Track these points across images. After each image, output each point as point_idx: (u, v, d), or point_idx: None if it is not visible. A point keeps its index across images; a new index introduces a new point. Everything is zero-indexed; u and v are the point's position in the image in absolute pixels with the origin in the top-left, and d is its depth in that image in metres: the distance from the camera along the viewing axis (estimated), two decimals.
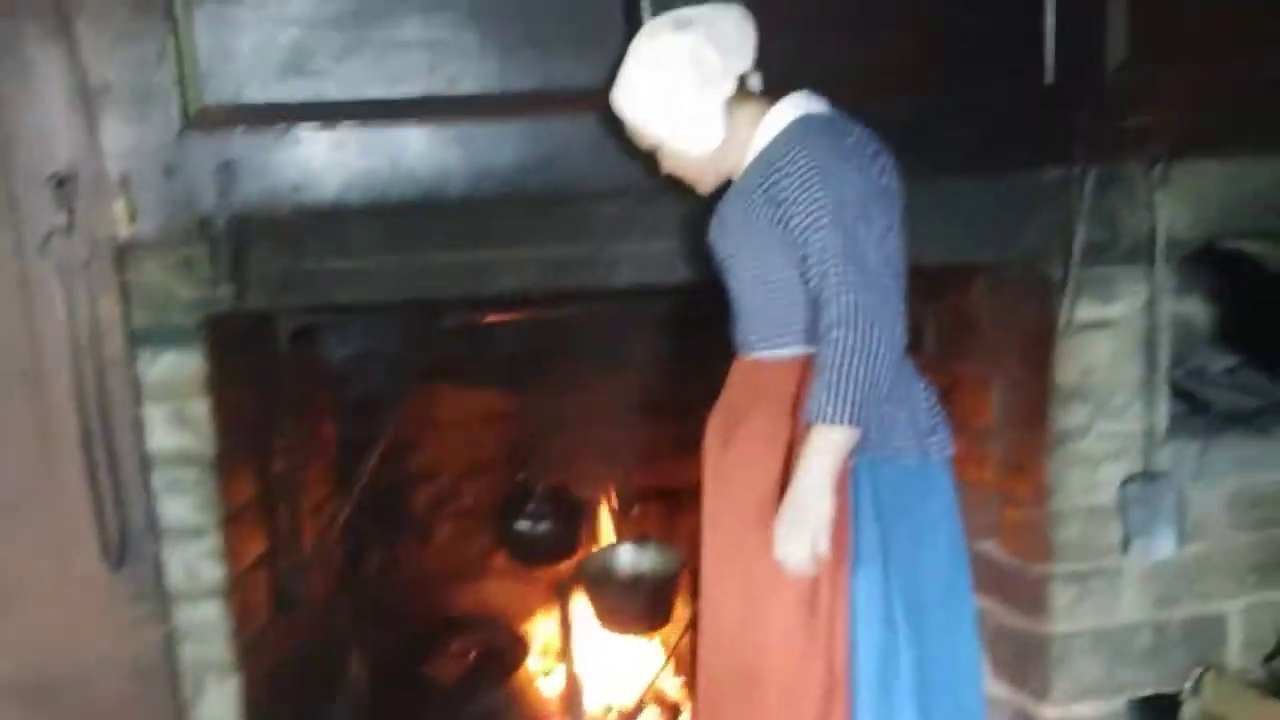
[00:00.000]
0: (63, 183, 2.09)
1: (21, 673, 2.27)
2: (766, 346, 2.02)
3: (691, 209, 2.25)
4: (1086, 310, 2.50)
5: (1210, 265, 2.98)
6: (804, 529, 1.86)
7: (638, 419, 3.32)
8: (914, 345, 1.97)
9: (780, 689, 2.00)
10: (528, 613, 3.41)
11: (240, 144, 2.16)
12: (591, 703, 3.06)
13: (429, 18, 2.18)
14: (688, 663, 2.88)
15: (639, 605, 3.02)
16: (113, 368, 2.18)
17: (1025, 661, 2.71)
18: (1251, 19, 2.43)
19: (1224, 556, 2.70)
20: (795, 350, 1.97)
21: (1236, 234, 2.66)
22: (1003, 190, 2.42)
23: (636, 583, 3.12)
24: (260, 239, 2.20)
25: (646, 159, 2.14)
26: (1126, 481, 2.59)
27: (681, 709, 3.06)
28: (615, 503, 3.35)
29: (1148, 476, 2.58)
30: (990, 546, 2.73)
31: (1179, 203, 2.47)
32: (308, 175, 2.19)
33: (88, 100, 2.10)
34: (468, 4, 2.18)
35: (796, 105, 1.98)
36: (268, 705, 2.45)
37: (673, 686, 3.12)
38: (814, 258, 1.84)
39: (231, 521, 2.34)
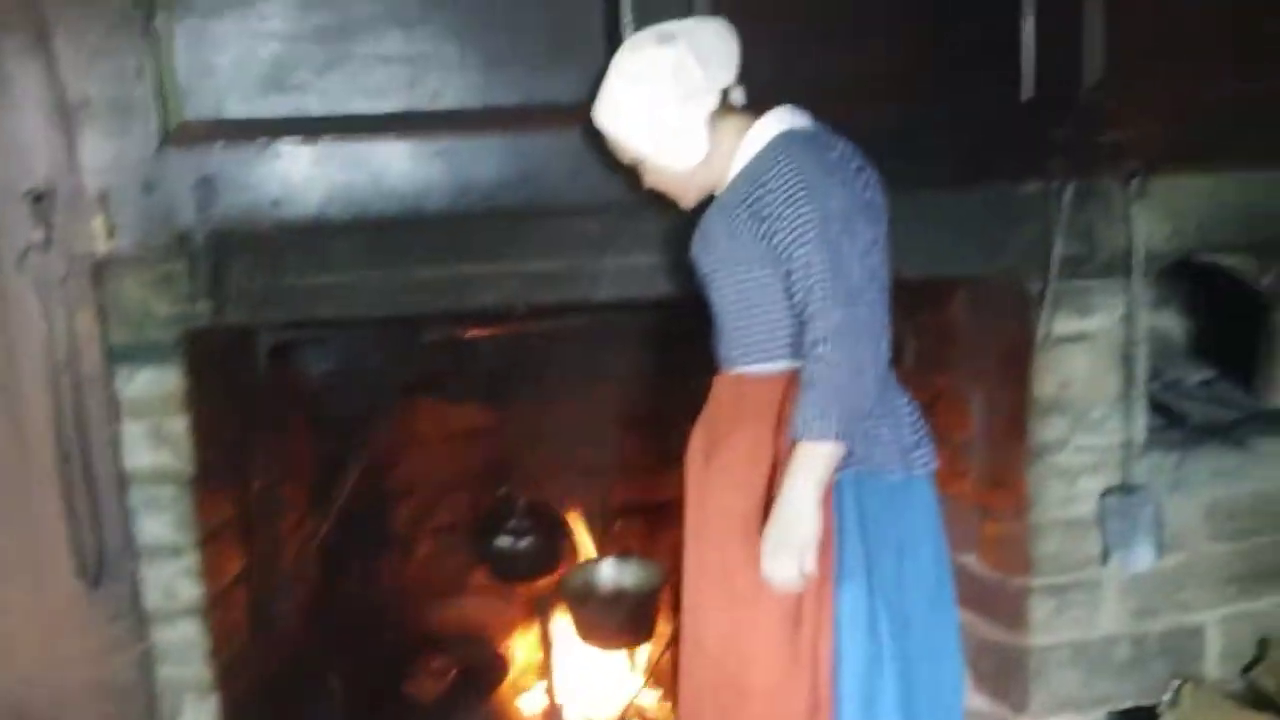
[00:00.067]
0: (40, 198, 2.07)
1: None
2: (749, 361, 2.01)
3: (672, 224, 2.25)
4: (1064, 323, 2.52)
5: (1185, 279, 3.00)
6: (791, 546, 1.86)
7: (618, 434, 3.32)
8: (894, 359, 1.98)
9: (765, 703, 2.00)
10: (508, 630, 3.39)
11: (220, 159, 2.16)
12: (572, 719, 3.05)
13: (410, 32, 2.18)
14: (669, 678, 2.87)
15: (621, 620, 3.01)
16: (90, 384, 2.16)
17: (1005, 674, 2.72)
18: (1227, 37, 2.47)
19: (1202, 568, 2.72)
20: (778, 365, 1.96)
21: (1212, 248, 2.69)
22: (981, 204, 2.44)
23: (618, 598, 3.11)
24: (240, 254, 2.19)
25: (628, 174, 2.15)
26: (1105, 494, 2.61)
27: None
28: (596, 518, 3.34)
29: (1126, 489, 2.60)
30: (970, 560, 2.74)
31: (1155, 217, 2.49)
32: (288, 190, 2.18)
33: (66, 115, 2.09)
34: (449, 19, 2.18)
35: (780, 120, 1.98)
36: None
37: (654, 702, 3.11)
38: (799, 273, 1.84)
39: (209, 540, 2.32)
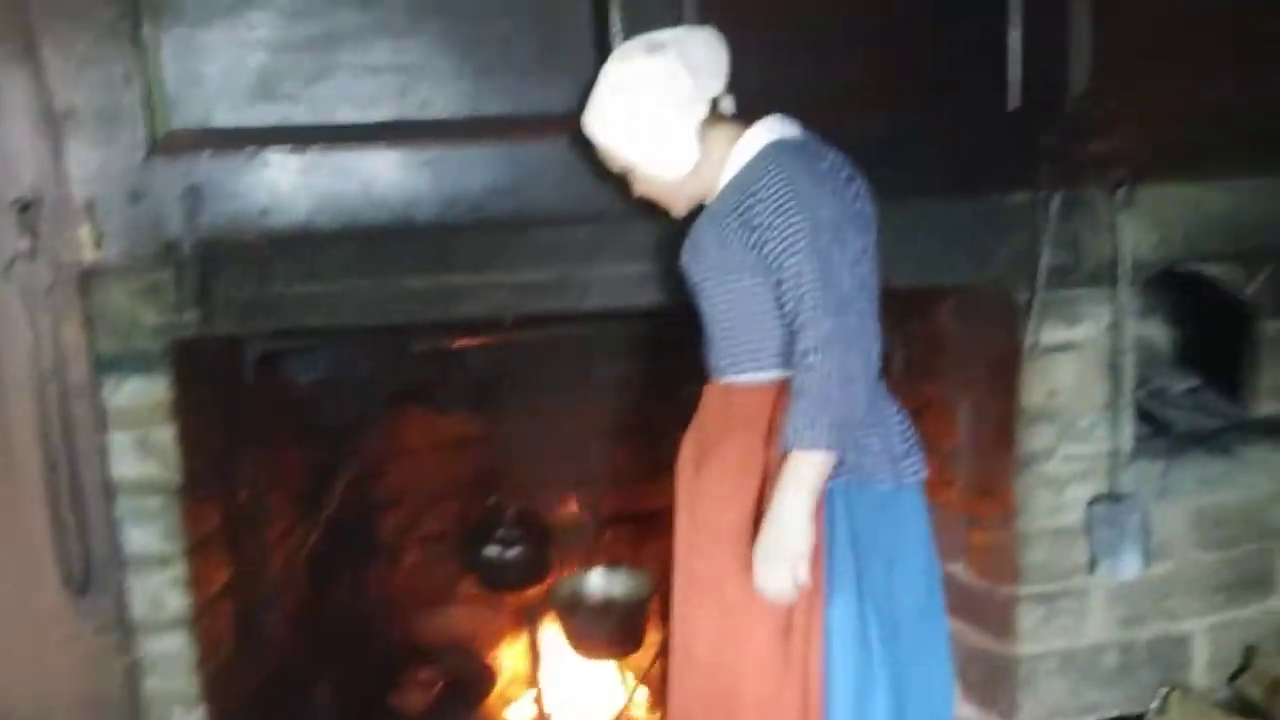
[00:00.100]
0: (27, 207, 2.07)
1: None
2: (739, 371, 2.01)
3: (661, 233, 2.26)
4: (1052, 333, 2.53)
5: (1170, 288, 3.02)
6: (784, 557, 1.86)
7: (607, 443, 3.32)
8: (883, 368, 1.98)
9: (756, 713, 1.99)
10: (496, 640, 3.38)
11: (208, 168, 2.15)
12: None
13: (399, 42, 2.18)
14: (659, 688, 2.86)
15: (610, 630, 3.00)
16: (77, 394, 2.16)
17: (993, 683, 2.72)
18: (1213, 47, 2.49)
19: (1189, 576, 2.73)
20: (769, 375, 1.96)
21: (1197, 257, 2.70)
22: (969, 214, 2.45)
23: (608, 607, 3.11)
24: (228, 263, 2.19)
25: (617, 183, 2.15)
26: (1092, 502, 2.61)
27: None
28: (586, 527, 3.34)
29: (1113, 497, 2.60)
30: (958, 568, 2.74)
31: (1141, 226, 2.50)
32: (276, 199, 2.18)
33: (53, 124, 2.08)
34: (438, 28, 2.19)
35: (770, 129, 1.98)
36: None
37: (643, 712, 3.10)
38: (789, 283, 1.83)
39: (197, 550, 2.31)
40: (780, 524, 1.86)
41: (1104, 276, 2.52)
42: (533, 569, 3.23)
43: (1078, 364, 2.57)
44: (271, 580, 2.71)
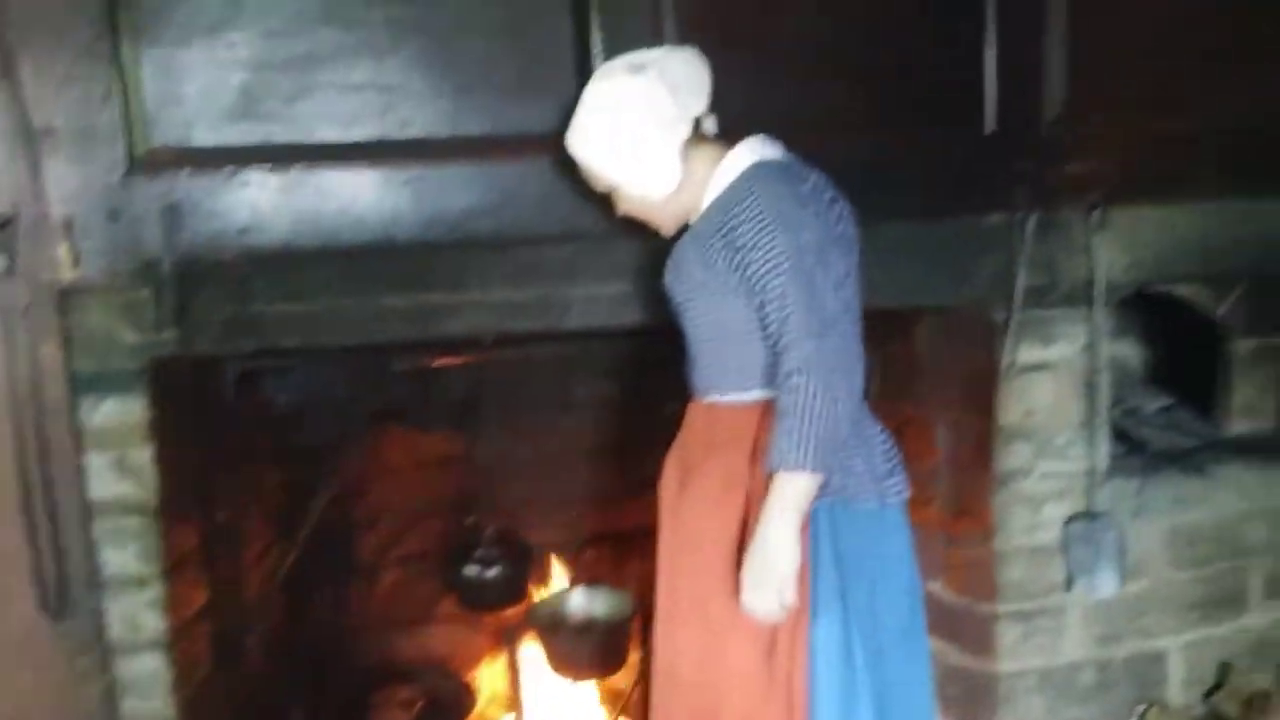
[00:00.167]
0: (4, 226, 2.04)
1: None
2: (723, 390, 2.01)
3: (641, 253, 2.27)
4: (1028, 353, 2.55)
5: (1141, 309, 3.05)
6: (771, 578, 1.85)
7: (588, 462, 3.32)
8: (864, 388, 1.99)
9: None
10: (475, 660, 3.37)
11: (187, 187, 2.14)
12: None
13: (381, 61, 2.18)
14: (640, 708, 2.86)
15: (592, 650, 2.99)
16: (53, 414, 2.13)
17: (972, 700, 2.73)
18: (1184, 72, 2.52)
19: (1164, 594, 2.75)
20: (752, 394, 1.96)
21: (1169, 278, 2.74)
22: (947, 236, 2.47)
23: (589, 627, 3.10)
24: (207, 283, 2.18)
25: (599, 202, 2.16)
26: (1069, 521, 2.63)
27: None
28: (566, 546, 3.33)
29: (1089, 516, 2.62)
30: (937, 587, 2.75)
31: (1115, 248, 2.53)
32: (257, 218, 2.17)
33: (31, 142, 2.06)
34: (419, 48, 2.19)
35: (753, 150, 1.99)
36: None
37: None
38: (773, 304, 1.84)
39: (174, 571, 2.29)
40: (767, 546, 1.85)
41: (1079, 297, 2.55)
42: (512, 588, 3.22)
43: (1054, 383, 2.59)
44: (249, 601, 2.69)
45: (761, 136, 2.02)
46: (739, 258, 1.87)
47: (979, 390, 2.61)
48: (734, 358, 1.97)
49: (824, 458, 1.82)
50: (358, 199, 2.21)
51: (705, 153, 2.01)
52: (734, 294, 1.91)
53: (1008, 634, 2.66)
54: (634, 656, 3.03)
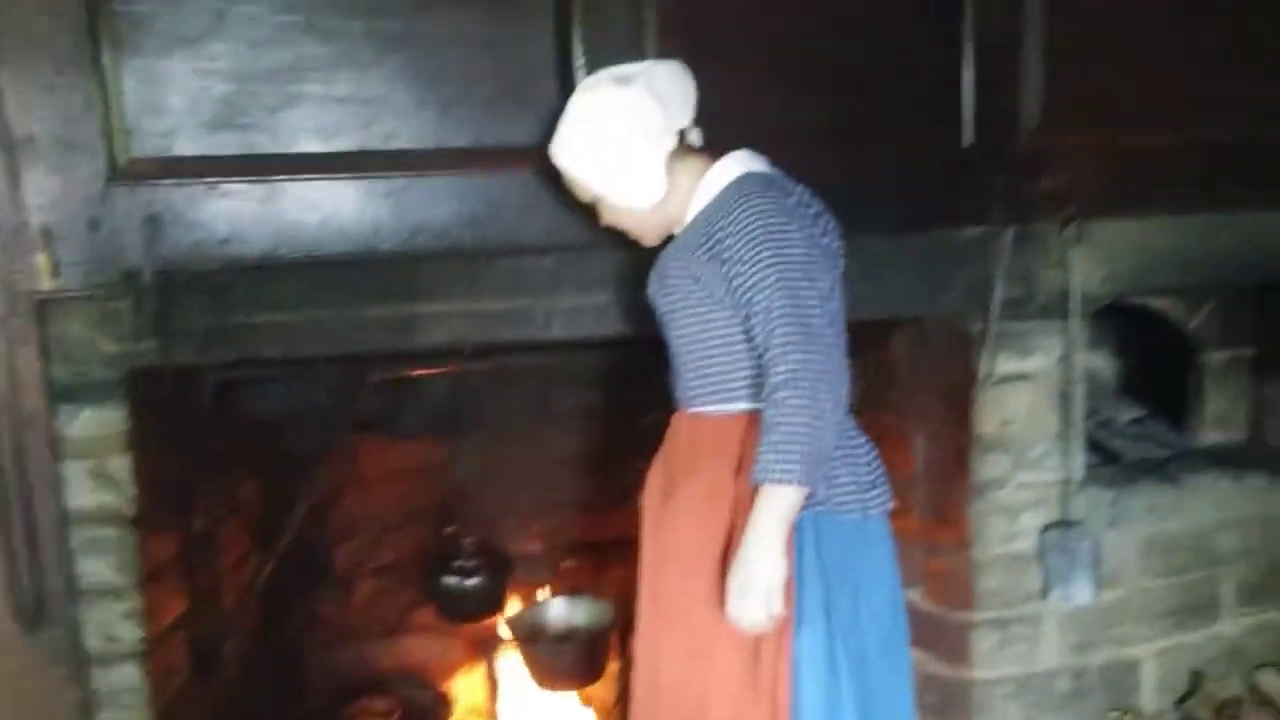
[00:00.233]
0: None
1: None
2: (707, 402, 2.01)
3: (624, 264, 2.28)
4: (1005, 364, 2.58)
5: (1114, 320, 3.09)
6: (758, 590, 1.85)
7: (568, 472, 3.32)
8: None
9: None
10: (452, 670, 3.36)
11: (168, 197, 2.13)
12: None
13: (363, 73, 2.18)
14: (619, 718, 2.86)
15: (572, 660, 2.99)
16: (31, 423, 2.12)
17: (949, 707, 2.75)
18: (1159, 88, 2.56)
19: (1138, 602, 2.79)
20: (737, 406, 1.97)
21: (1143, 291, 2.77)
22: (925, 248, 2.50)
23: (569, 637, 3.10)
24: (187, 293, 2.17)
25: (581, 213, 2.16)
26: (1045, 530, 2.66)
27: None
28: (546, 556, 3.33)
29: (1065, 525, 2.65)
30: (915, 595, 2.77)
31: (1090, 261, 2.57)
32: (238, 229, 2.16)
33: (10, 151, 2.05)
34: (402, 60, 2.19)
35: (739, 162, 2.00)
36: None
37: None
38: (759, 318, 1.84)
39: (151, 581, 2.28)
40: (753, 557, 1.85)
41: (1055, 309, 2.58)
42: (492, 598, 3.22)
43: (1030, 394, 2.62)
44: (226, 610, 2.67)
45: (746, 149, 2.03)
46: (725, 270, 1.88)
47: (956, 401, 2.63)
48: (718, 369, 1.97)
49: (811, 471, 1.82)
50: (340, 210, 2.20)
51: (690, 164, 2.01)
52: (719, 306, 1.91)
53: (984, 642, 2.68)
54: (613, 666, 3.03)
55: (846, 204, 2.10)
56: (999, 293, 2.51)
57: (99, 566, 2.20)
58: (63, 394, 2.15)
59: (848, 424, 2.02)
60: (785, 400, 1.80)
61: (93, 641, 2.22)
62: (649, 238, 2.10)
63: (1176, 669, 2.86)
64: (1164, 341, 3.13)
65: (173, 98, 2.12)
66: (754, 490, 1.86)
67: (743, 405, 1.96)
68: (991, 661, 2.70)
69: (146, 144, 2.12)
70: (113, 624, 2.22)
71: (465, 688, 3.32)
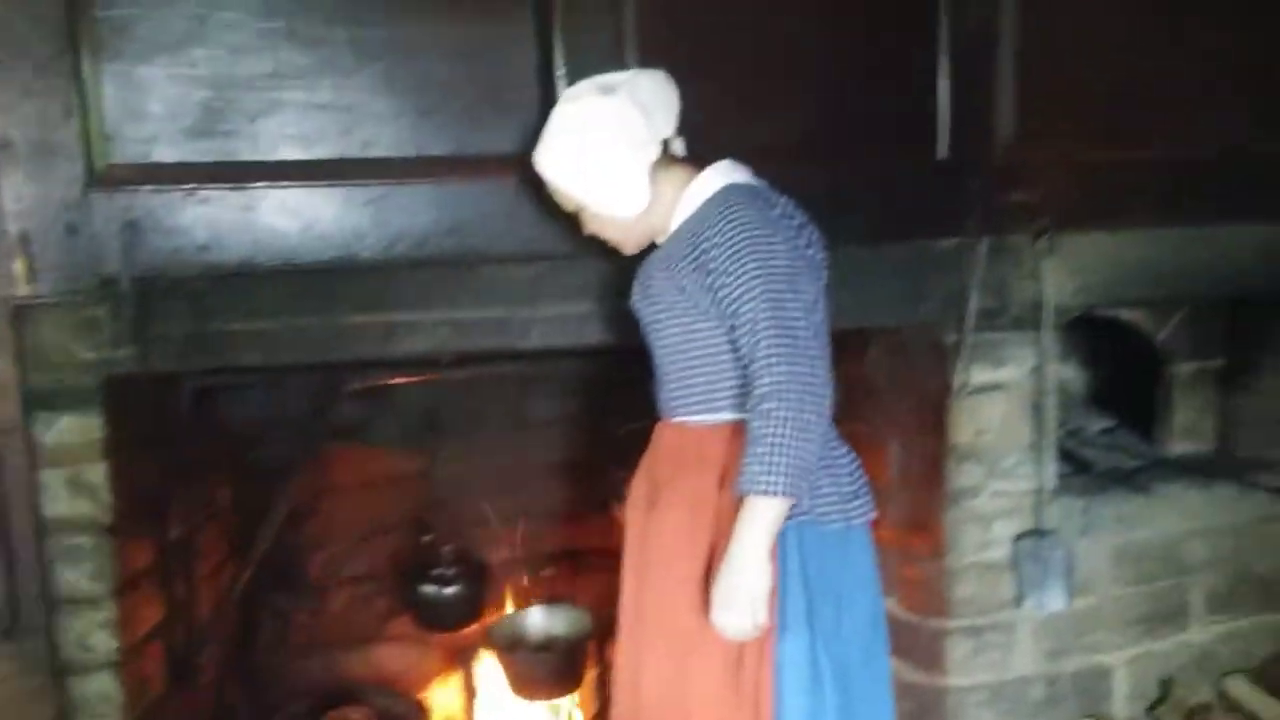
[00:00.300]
0: None
1: None
2: (691, 411, 2.01)
3: (605, 273, 2.29)
4: (979, 374, 2.60)
5: (1083, 332, 3.13)
6: (743, 600, 1.85)
7: (546, 480, 3.32)
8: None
9: None
10: (428, 679, 3.35)
11: (147, 203, 2.13)
12: None
13: (344, 81, 2.18)
14: None
15: (551, 669, 2.98)
16: (7, 431, 2.11)
17: (923, 715, 2.77)
18: (1131, 103, 2.60)
19: (1109, 610, 2.81)
20: (721, 416, 1.97)
21: (1115, 303, 2.81)
22: (900, 259, 2.52)
23: (548, 646, 3.09)
24: (166, 300, 2.16)
25: (561, 223, 2.17)
26: (1018, 538, 2.68)
27: None
28: (524, 565, 3.33)
29: (1038, 534, 2.68)
30: (890, 603, 2.78)
31: (1063, 272, 2.60)
32: (217, 236, 2.16)
33: None
34: (383, 68, 2.20)
35: (723, 173, 2.01)
36: None
37: None
38: (744, 328, 1.85)
39: (128, 590, 2.27)
40: (738, 568, 1.85)
41: (1028, 320, 2.61)
42: (469, 607, 3.21)
43: (1004, 404, 2.64)
44: (202, 619, 2.66)
45: (730, 160, 2.04)
46: (710, 281, 1.88)
47: (931, 411, 2.65)
48: (702, 379, 1.97)
49: (796, 482, 1.82)
50: (319, 218, 2.20)
51: (673, 174, 2.02)
52: (704, 316, 1.92)
53: (958, 649, 2.70)
54: (590, 675, 3.03)
55: (823, 215, 2.11)
56: (974, 304, 2.53)
57: (75, 575, 2.19)
58: (39, 401, 2.14)
59: (830, 434, 2.03)
60: (771, 412, 1.81)
61: (69, 650, 2.20)
62: (628, 246, 2.10)
63: (1147, 676, 2.89)
64: (1134, 353, 3.16)
65: (152, 104, 2.12)
66: (738, 501, 1.87)
67: (727, 415, 1.97)
68: (966, 669, 2.72)
69: (126, 150, 2.12)
70: (89, 632, 2.21)
71: (441, 697, 3.31)
